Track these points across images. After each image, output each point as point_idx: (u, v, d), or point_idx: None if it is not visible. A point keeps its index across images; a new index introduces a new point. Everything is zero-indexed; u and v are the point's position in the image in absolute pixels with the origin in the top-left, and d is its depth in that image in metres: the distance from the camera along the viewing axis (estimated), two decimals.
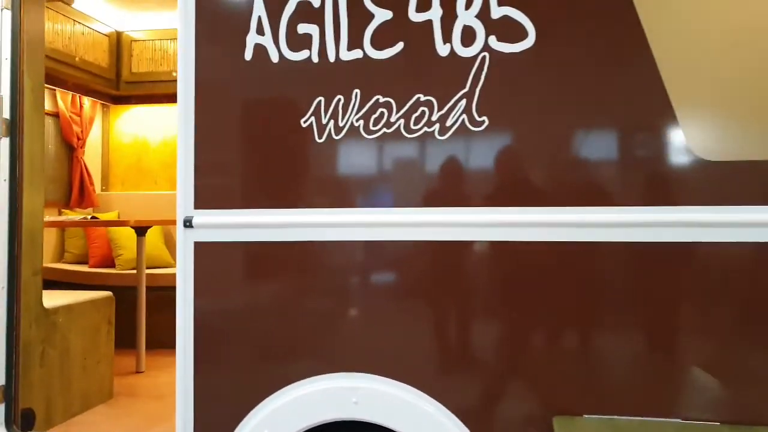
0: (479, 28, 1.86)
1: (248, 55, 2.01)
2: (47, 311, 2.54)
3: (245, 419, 1.96)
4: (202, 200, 2.02)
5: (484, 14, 1.86)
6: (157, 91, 5.42)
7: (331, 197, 1.97)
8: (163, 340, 3.84)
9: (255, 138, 2.02)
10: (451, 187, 1.89)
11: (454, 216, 1.86)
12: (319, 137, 1.96)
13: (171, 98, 5.50)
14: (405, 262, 1.91)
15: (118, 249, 4.78)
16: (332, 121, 1.95)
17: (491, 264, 1.86)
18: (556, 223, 1.78)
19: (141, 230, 3.84)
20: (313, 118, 1.96)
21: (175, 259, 2.33)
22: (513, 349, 1.84)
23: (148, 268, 4.39)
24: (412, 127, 1.90)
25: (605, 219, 1.76)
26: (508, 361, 1.84)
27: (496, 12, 1.86)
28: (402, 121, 1.91)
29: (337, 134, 1.95)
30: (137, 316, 3.78)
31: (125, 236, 4.75)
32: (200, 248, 2.02)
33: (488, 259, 1.86)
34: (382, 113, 1.92)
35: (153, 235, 4.90)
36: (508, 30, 1.85)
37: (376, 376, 1.89)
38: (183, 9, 2.03)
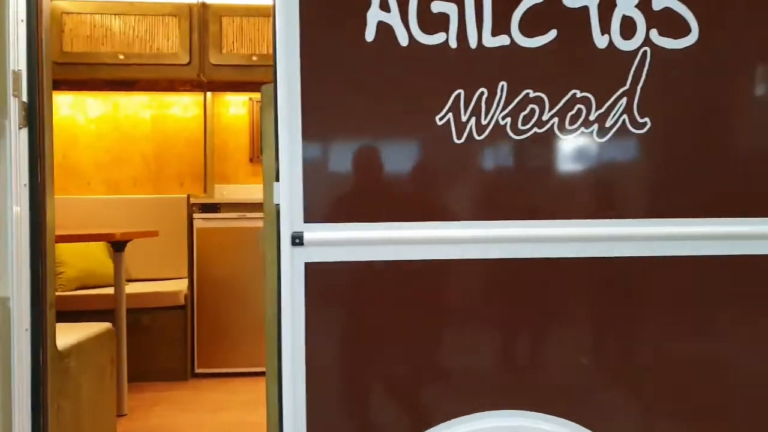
0: (640, 20, 1.68)
1: (369, 35, 1.66)
2: (60, 354, 1.92)
3: None
4: (315, 212, 1.65)
5: (644, 5, 1.68)
6: (98, 75, 4.54)
7: (473, 208, 1.69)
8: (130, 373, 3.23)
9: (380, 137, 1.68)
10: (615, 197, 1.70)
11: (626, 229, 1.67)
12: (458, 137, 1.67)
13: (115, 85, 4.72)
14: (573, 283, 1.69)
15: (59, 266, 3.98)
16: (473, 119, 1.67)
17: (679, 285, 1.70)
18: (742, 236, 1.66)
19: (119, 245, 3.19)
20: (450, 115, 1.67)
21: None
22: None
23: (93, 287, 3.74)
24: (568, 127, 1.68)
25: None
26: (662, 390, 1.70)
27: (658, 3, 1.68)
28: (556, 119, 1.68)
29: (479, 134, 1.67)
30: (118, 348, 3.09)
31: (68, 251, 3.96)
32: (313, 271, 1.65)
33: (675, 278, 1.69)
34: (532, 110, 1.67)
35: (95, 247, 4.16)
36: (671, 23, 1.69)
37: (538, 414, 1.66)
38: None
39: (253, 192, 4.43)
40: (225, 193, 5.16)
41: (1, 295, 1.53)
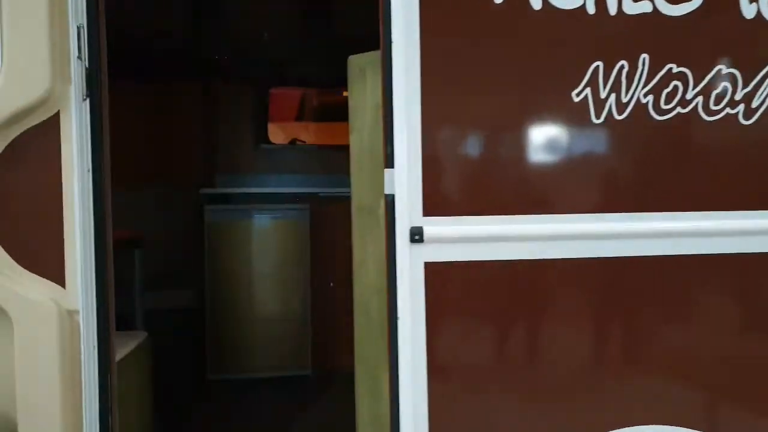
0: None
1: None
2: (118, 367, 1.59)
3: None
4: (436, 204, 1.41)
5: None
6: None
7: (615, 198, 1.49)
8: None
9: (508, 116, 1.45)
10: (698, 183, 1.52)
11: None
12: (597, 117, 1.46)
13: None
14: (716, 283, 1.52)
15: None
16: (613, 95, 1.46)
17: None
18: None
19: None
20: (588, 90, 1.45)
21: None
22: None
23: None
24: (712, 107, 1.50)
25: None
26: None
27: None
28: (700, 98, 1.49)
29: (619, 113, 1.47)
30: None
31: None
32: (434, 272, 1.41)
33: None
34: (675, 87, 1.48)
35: None
36: None
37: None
38: None
39: None
40: None
41: (69, 307, 1.23)
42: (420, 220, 1.40)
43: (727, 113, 1.50)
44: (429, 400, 1.41)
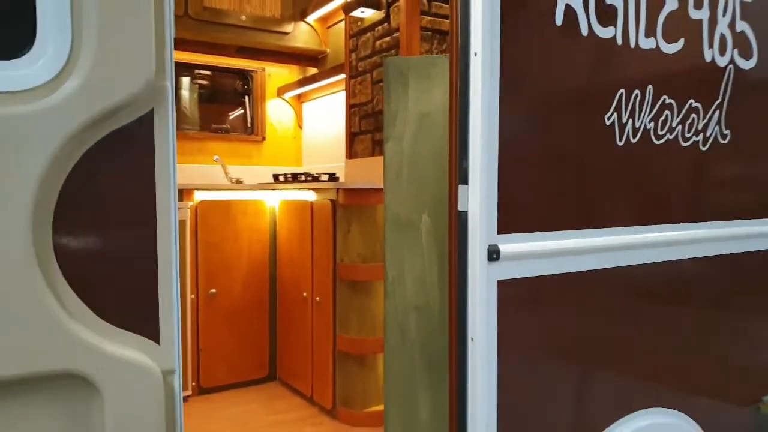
0: (729, 39, 1.85)
1: (559, 18, 1.46)
2: None
3: None
4: (509, 222, 1.40)
5: (732, 25, 1.86)
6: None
7: (639, 213, 1.66)
8: None
9: (573, 134, 1.51)
10: (722, 201, 1.85)
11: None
12: (620, 139, 1.61)
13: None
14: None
15: None
16: (630, 121, 1.63)
17: None
18: None
19: None
20: (615, 115, 1.59)
21: None
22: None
23: None
24: (686, 134, 1.77)
25: None
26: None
27: (739, 25, 1.88)
28: (680, 127, 1.75)
29: (634, 137, 1.64)
30: None
31: None
32: (506, 289, 1.41)
33: None
34: (667, 116, 1.71)
35: None
36: (744, 45, 1.90)
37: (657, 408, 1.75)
38: None
39: None
40: None
41: (165, 367, 0.87)
42: (495, 238, 1.38)
43: (694, 140, 1.79)
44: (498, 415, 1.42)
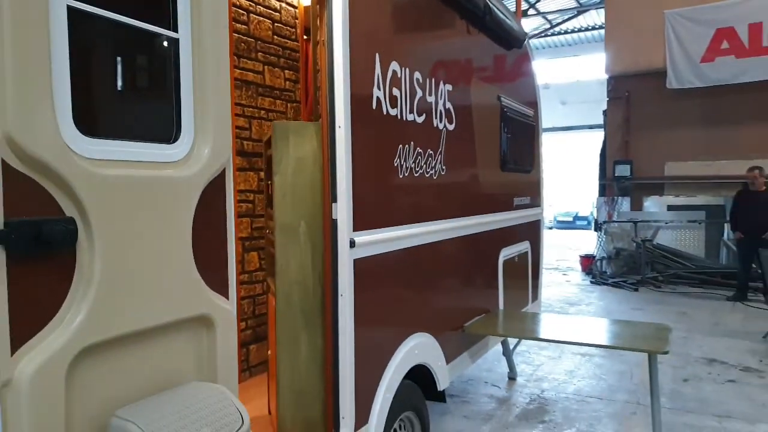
0: (443, 113, 3.17)
1: (374, 105, 2.51)
2: None
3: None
4: (360, 224, 2.40)
5: (444, 105, 3.19)
6: None
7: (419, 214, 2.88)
8: None
9: (384, 173, 2.60)
10: (437, 207, 3.13)
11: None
12: (400, 174, 2.74)
13: None
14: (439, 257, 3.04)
15: None
16: (404, 162, 2.78)
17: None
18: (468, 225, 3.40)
19: None
20: (398, 160, 2.72)
21: None
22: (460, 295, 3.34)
23: None
24: (427, 169, 3.01)
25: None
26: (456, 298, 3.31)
27: (447, 105, 3.22)
28: (424, 165, 2.98)
29: (406, 173, 2.80)
30: None
31: None
32: (360, 264, 2.40)
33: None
34: (419, 159, 2.92)
35: None
36: (449, 116, 3.25)
37: (419, 333, 2.94)
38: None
39: None
40: None
41: (233, 313, 1.49)
42: (353, 234, 2.35)
43: (430, 172, 3.04)
44: (355, 343, 2.38)
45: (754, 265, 7.72)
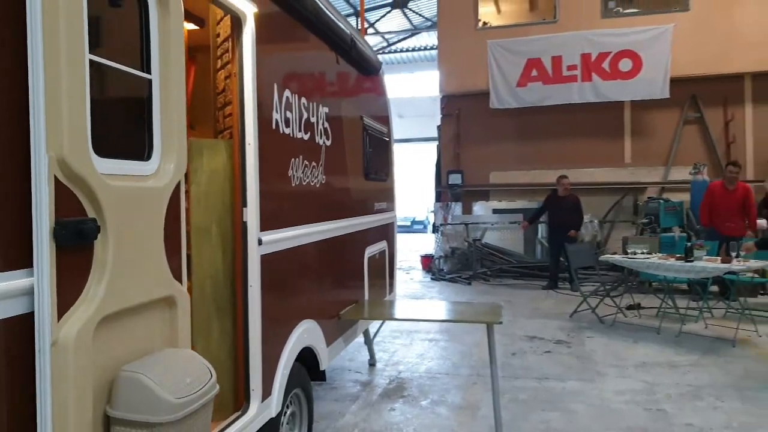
0: (322, 131, 3.72)
1: (273, 126, 2.98)
2: None
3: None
4: (266, 225, 2.84)
5: (323, 124, 3.73)
6: None
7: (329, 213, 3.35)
8: None
9: (279, 183, 3.04)
10: (319, 210, 3.66)
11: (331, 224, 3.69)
12: (294, 183, 3.23)
13: None
14: (320, 254, 3.55)
15: None
16: (296, 173, 3.27)
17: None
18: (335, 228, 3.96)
19: None
20: (291, 171, 3.21)
21: None
22: (331, 289, 3.87)
23: None
24: (312, 180, 3.53)
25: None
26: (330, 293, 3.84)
27: (325, 125, 3.77)
28: (310, 175, 3.49)
29: (298, 182, 3.29)
30: None
31: None
32: (265, 259, 2.84)
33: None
34: (305, 170, 3.43)
35: None
36: (327, 134, 3.81)
37: (307, 320, 3.44)
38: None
39: None
40: None
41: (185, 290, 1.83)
42: (260, 234, 2.80)
43: (316, 180, 3.55)
44: (262, 327, 2.82)
45: (562, 258, 9.23)
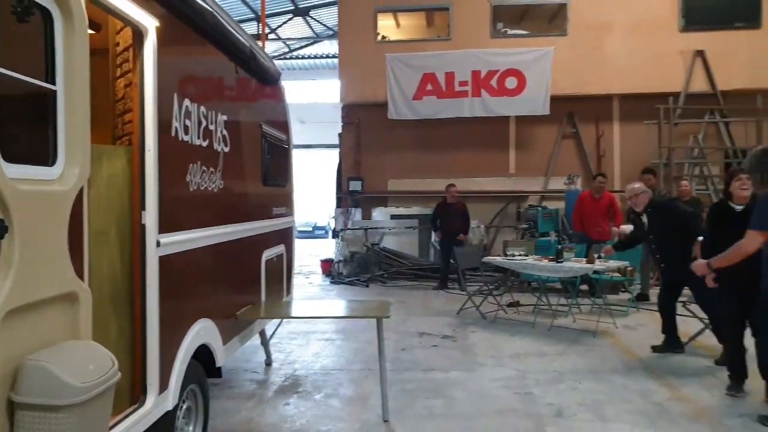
0: (220, 138, 3.91)
1: (174, 132, 3.16)
2: None
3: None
4: (164, 229, 3.01)
5: (221, 132, 3.92)
6: None
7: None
8: None
9: (180, 189, 3.21)
10: (217, 214, 3.84)
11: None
12: (191, 188, 3.41)
13: None
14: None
15: None
16: (194, 178, 3.45)
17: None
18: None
19: None
20: (189, 176, 3.39)
21: None
22: (228, 290, 4.06)
23: None
24: (210, 185, 3.71)
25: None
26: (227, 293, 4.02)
27: (223, 132, 3.96)
28: (209, 180, 3.68)
29: (195, 187, 3.47)
30: None
31: None
32: (163, 260, 3.01)
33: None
34: (204, 175, 3.61)
35: None
36: (225, 141, 4.00)
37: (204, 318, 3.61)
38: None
39: None
40: None
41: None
42: (158, 236, 2.96)
43: (214, 185, 3.74)
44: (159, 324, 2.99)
45: (452, 261, 9.85)
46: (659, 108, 11.38)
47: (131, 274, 2.92)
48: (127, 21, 2.73)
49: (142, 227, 2.88)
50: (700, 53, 11.66)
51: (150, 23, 2.87)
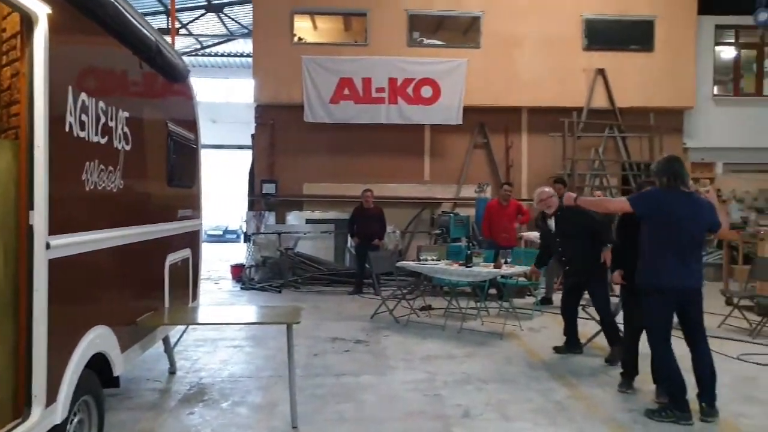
0: (121, 136, 3.71)
1: (67, 128, 2.96)
2: None
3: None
4: (54, 230, 2.80)
5: (122, 129, 3.72)
6: None
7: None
8: None
9: (77, 189, 3.03)
10: (116, 215, 3.63)
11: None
12: (88, 187, 3.21)
13: None
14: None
15: None
16: (91, 177, 3.25)
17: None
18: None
19: None
20: (86, 175, 3.18)
21: None
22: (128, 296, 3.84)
23: None
24: (109, 184, 3.51)
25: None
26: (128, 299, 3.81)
27: (125, 129, 3.76)
28: (107, 179, 3.47)
29: (93, 186, 3.26)
30: None
31: None
32: (52, 263, 2.80)
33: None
34: (102, 174, 3.40)
35: None
36: (127, 138, 3.80)
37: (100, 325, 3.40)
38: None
39: None
40: None
41: None
42: (48, 238, 2.76)
43: (112, 186, 3.53)
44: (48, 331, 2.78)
45: (367, 265, 9.87)
46: (564, 121, 12.00)
47: (17, 278, 2.70)
48: (14, 6, 2.53)
49: (30, 228, 2.67)
50: (601, 71, 12.41)
51: (41, 9, 2.67)
